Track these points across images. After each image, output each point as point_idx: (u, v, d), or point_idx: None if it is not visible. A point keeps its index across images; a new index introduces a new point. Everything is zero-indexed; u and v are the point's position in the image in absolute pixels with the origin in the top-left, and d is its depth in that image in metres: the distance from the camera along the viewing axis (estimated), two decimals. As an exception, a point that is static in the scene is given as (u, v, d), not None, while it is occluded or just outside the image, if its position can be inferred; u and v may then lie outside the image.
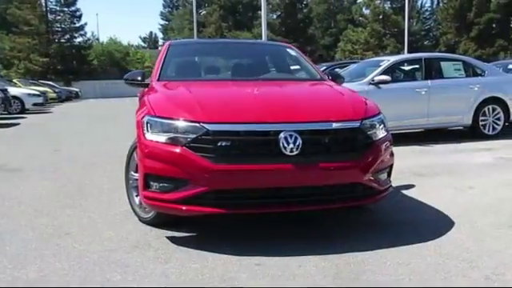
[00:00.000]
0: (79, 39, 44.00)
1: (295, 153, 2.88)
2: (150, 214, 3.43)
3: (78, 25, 43.56)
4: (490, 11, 44.04)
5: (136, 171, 3.61)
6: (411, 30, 35.97)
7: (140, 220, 3.55)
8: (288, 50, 4.85)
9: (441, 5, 48.78)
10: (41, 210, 3.97)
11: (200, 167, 2.85)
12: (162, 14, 68.31)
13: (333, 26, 52.39)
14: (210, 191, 2.87)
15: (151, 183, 3.09)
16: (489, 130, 8.11)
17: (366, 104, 3.42)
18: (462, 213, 3.69)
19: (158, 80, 3.98)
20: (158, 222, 3.39)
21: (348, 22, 50.49)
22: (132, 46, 54.52)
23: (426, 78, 7.92)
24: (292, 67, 5.00)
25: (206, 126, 2.91)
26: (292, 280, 2.55)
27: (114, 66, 44.48)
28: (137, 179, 3.59)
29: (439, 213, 3.73)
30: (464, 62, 8.42)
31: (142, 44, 67.30)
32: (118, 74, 38.28)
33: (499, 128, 8.13)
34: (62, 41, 43.64)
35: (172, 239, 3.18)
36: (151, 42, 71.09)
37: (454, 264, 2.71)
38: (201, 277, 2.60)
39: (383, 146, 3.25)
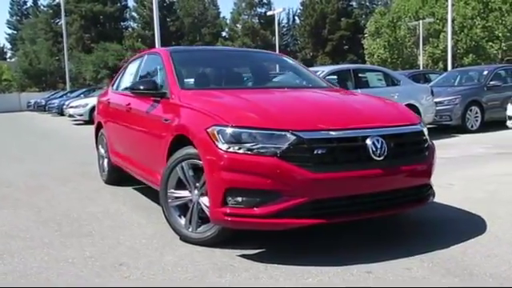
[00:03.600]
0: None
1: (382, 157, 2.91)
2: (207, 234, 3.13)
3: None
4: (341, 29, 48.84)
5: (177, 188, 3.30)
6: (273, 45, 37.95)
7: (185, 240, 3.24)
8: (285, 58, 4.83)
9: (298, 22, 52.62)
10: (50, 242, 3.37)
11: (298, 177, 2.72)
12: (9, 22, 62.05)
13: (198, 39, 52.85)
14: (309, 202, 2.75)
15: (230, 198, 2.85)
16: (406, 134, 8.94)
17: (412, 110, 3.59)
18: (474, 207, 3.99)
19: (183, 89, 3.66)
20: (218, 240, 3.11)
21: (213, 36, 51.47)
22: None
23: (356, 87, 8.47)
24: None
25: (298, 134, 2.78)
26: (417, 282, 2.56)
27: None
28: (177, 197, 3.29)
29: (455, 209, 4.01)
30: (384, 73, 9.20)
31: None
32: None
33: (414, 132, 9.02)
34: None
35: (249, 257, 2.95)
36: (-3, 52, 64.06)
37: (530, 251, 2.98)
38: (328, 290, 2.49)
39: (434, 148, 3.43)
